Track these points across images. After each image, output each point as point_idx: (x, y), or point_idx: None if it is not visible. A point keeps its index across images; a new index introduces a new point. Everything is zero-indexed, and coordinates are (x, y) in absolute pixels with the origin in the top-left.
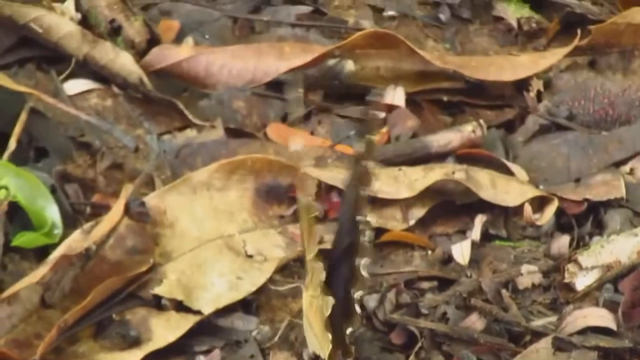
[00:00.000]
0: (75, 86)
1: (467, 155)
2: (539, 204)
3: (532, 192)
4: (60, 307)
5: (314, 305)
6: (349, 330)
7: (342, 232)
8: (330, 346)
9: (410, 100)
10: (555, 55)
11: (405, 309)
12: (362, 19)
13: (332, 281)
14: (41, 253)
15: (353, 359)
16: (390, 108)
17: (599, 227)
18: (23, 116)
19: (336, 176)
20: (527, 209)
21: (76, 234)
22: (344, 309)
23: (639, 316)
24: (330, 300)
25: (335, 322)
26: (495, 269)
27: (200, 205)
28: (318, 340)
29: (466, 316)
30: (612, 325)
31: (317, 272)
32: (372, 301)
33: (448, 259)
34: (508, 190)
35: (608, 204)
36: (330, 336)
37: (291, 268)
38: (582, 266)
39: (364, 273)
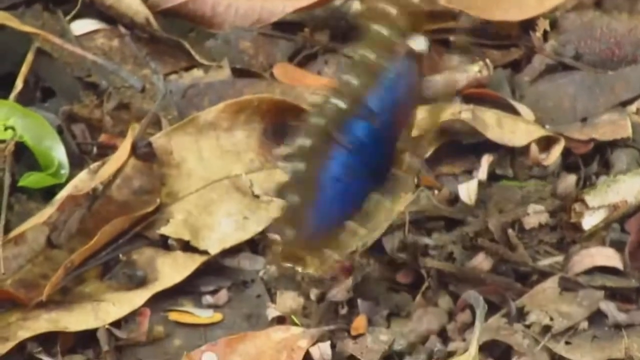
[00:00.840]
0: (81, 26)
1: (474, 95)
2: (545, 144)
3: (538, 132)
4: (66, 248)
5: None
6: None
7: None
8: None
9: None
10: None
11: (412, 249)
12: None
13: None
14: (48, 193)
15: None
16: None
17: (606, 167)
18: (30, 57)
19: None
20: (534, 148)
21: (83, 174)
22: None
23: None
24: None
25: None
26: (501, 209)
27: (206, 146)
28: None
29: (473, 256)
30: (619, 264)
31: None
32: (379, 240)
33: (455, 199)
34: (514, 130)
35: (614, 144)
36: None
37: None
38: (588, 206)
39: None
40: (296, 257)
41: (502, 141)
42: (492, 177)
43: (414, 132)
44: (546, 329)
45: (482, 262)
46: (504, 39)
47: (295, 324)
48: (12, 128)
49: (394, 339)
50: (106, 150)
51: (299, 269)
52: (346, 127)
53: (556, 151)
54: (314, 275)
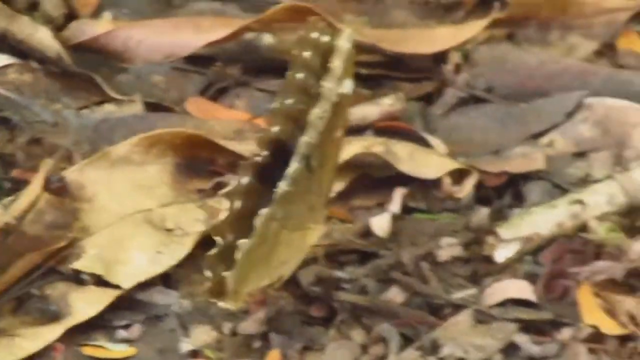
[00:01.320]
0: None
1: (386, 128)
2: (458, 176)
3: (451, 165)
4: None
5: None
6: None
7: None
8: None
9: None
10: (474, 28)
11: (325, 282)
12: None
13: None
14: None
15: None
16: None
17: (519, 200)
18: None
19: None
20: (446, 181)
21: None
22: None
23: (558, 288)
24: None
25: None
26: (415, 242)
27: (119, 180)
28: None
29: (386, 289)
30: (532, 297)
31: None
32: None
33: (368, 232)
34: (427, 163)
35: (527, 176)
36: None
37: (210, 242)
38: (501, 238)
39: None
40: (224, 292)
41: (414, 174)
42: (405, 210)
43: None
44: None
45: (395, 295)
46: (416, 72)
47: (209, 358)
48: None
49: None
50: (19, 185)
51: (222, 303)
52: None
53: (469, 184)
54: (228, 309)
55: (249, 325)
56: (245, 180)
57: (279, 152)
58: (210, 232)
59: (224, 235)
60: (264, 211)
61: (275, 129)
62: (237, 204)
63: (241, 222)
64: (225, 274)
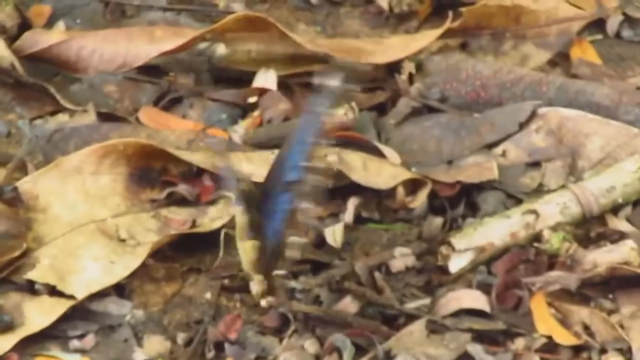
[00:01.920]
0: None
1: (340, 138)
2: (411, 187)
3: (404, 175)
4: None
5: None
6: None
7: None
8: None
9: (282, 84)
10: (427, 38)
11: (278, 292)
12: (233, 3)
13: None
14: None
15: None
16: (262, 91)
17: (472, 210)
18: None
19: (208, 160)
20: (400, 192)
21: None
22: (274, 252)
23: (512, 298)
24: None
25: (264, 263)
26: (368, 252)
27: (72, 190)
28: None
29: (339, 299)
30: (486, 307)
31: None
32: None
33: (321, 242)
34: (380, 173)
35: (481, 186)
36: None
37: (164, 252)
38: (455, 248)
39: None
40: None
41: (367, 184)
42: (359, 220)
43: None
44: None
45: (348, 305)
46: (369, 82)
47: None
48: None
49: None
50: None
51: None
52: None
53: (422, 194)
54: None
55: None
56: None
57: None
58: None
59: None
60: None
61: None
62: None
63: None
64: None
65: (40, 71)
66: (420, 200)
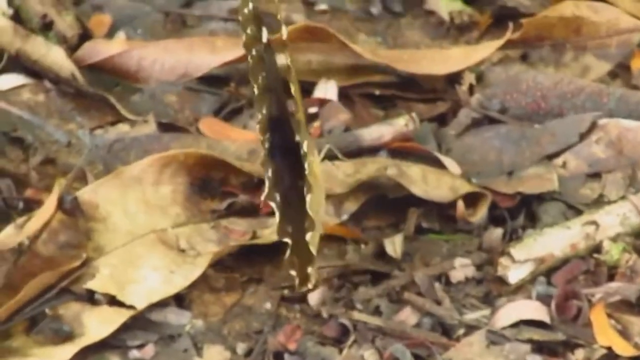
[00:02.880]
0: (7, 81)
1: (400, 149)
2: (472, 198)
3: (464, 188)
4: None
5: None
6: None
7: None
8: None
9: (343, 94)
10: (487, 49)
11: (338, 303)
12: (294, 13)
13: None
14: None
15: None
16: (323, 102)
17: (532, 220)
18: None
19: None
20: (460, 206)
21: (9, 229)
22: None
23: (571, 309)
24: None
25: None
26: (428, 263)
27: (132, 200)
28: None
29: (399, 310)
30: (545, 318)
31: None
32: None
33: (381, 253)
34: (440, 185)
35: (541, 197)
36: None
37: (224, 263)
38: (515, 259)
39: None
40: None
41: (427, 197)
42: (419, 230)
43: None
44: None
45: (408, 316)
46: (430, 93)
47: None
48: None
49: None
50: (32, 205)
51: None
52: None
53: (482, 207)
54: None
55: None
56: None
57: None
58: (278, 236)
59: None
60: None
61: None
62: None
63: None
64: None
65: (101, 81)
66: (480, 214)
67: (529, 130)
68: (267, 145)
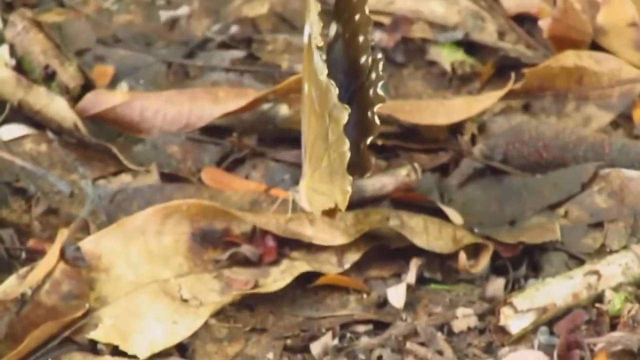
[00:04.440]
0: (10, 131)
1: (402, 199)
2: (474, 248)
3: (466, 239)
4: None
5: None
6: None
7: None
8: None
9: None
10: (490, 99)
11: (341, 352)
12: (296, 64)
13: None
14: None
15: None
16: None
17: (535, 270)
18: None
19: (271, 221)
20: (462, 257)
21: (11, 279)
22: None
23: (574, 359)
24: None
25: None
26: (430, 312)
27: (135, 250)
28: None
29: (402, 359)
30: None
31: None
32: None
33: (383, 303)
34: (442, 236)
35: (543, 247)
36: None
37: (227, 312)
38: (517, 309)
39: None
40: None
41: (429, 248)
42: (421, 280)
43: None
44: None
45: None
46: (432, 143)
47: None
48: None
49: None
50: (35, 255)
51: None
52: None
53: (484, 258)
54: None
55: None
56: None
57: None
58: None
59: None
60: None
61: None
62: None
63: None
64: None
65: (103, 132)
66: (482, 265)
67: (531, 180)
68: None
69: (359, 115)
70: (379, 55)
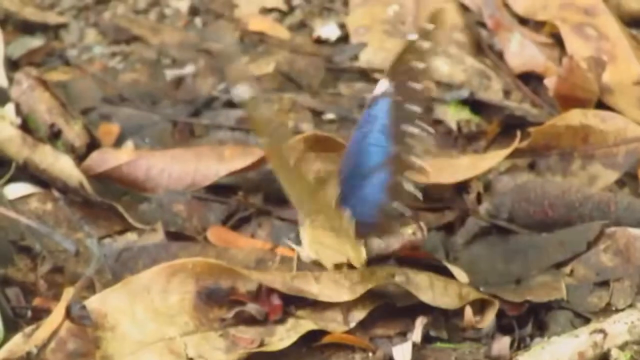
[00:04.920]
0: (15, 190)
1: (408, 257)
2: (479, 306)
3: (472, 295)
4: None
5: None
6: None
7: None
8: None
9: None
10: (495, 158)
11: None
12: (302, 122)
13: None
14: None
15: None
16: None
17: (540, 328)
18: None
19: (277, 279)
20: (468, 312)
21: (17, 338)
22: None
23: None
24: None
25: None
26: None
27: (141, 309)
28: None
29: None
30: None
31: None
32: None
33: None
34: (447, 293)
35: (549, 306)
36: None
37: None
38: None
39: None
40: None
41: (435, 304)
42: (427, 338)
43: None
44: None
45: None
46: (438, 202)
47: None
48: None
49: None
50: (40, 314)
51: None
52: None
53: (490, 314)
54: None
55: None
56: None
57: None
58: None
59: None
60: None
61: None
62: None
63: None
64: None
65: (109, 190)
66: (487, 321)
67: (537, 239)
68: None
69: (391, 180)
70: (431, 130)
